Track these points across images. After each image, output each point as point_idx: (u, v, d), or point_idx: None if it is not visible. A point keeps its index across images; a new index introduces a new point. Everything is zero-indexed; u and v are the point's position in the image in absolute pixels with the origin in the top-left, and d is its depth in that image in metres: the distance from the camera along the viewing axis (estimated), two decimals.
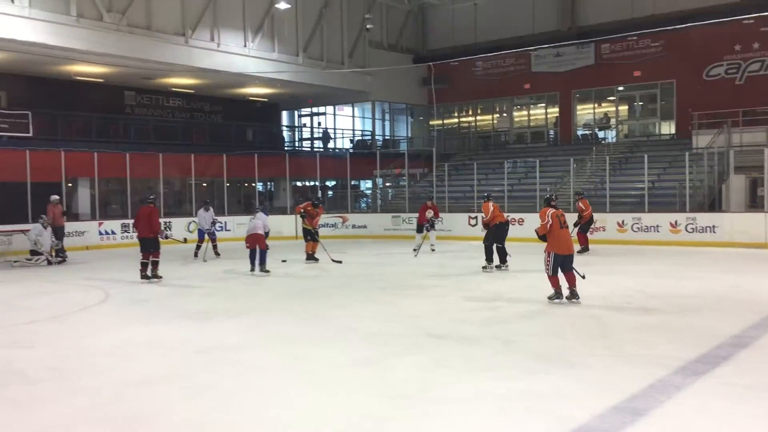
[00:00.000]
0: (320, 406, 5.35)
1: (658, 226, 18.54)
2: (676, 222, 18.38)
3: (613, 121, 28.48)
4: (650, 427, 4.85)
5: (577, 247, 13.02)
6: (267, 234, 13.57)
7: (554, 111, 29.74)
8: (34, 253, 16.02)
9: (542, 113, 30.47)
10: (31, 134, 20.95)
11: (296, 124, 33.81)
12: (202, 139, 27.12)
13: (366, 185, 30.30)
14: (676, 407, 5.21)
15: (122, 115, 26.27)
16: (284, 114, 33.58)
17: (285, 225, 22.30)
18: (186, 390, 5.83)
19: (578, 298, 9.44)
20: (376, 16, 29.22)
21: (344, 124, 32.39)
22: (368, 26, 27.67)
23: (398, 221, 23.24)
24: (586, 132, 29.44)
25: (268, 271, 13.21)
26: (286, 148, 30.93)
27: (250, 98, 29.88)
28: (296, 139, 33.71)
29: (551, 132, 30.10)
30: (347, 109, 32.43)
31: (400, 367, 6.46)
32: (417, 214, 18.09)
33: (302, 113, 33.28)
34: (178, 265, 14.87)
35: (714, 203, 20.87)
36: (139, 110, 27.43)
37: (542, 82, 29.13)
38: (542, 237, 9.59)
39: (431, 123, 32.91)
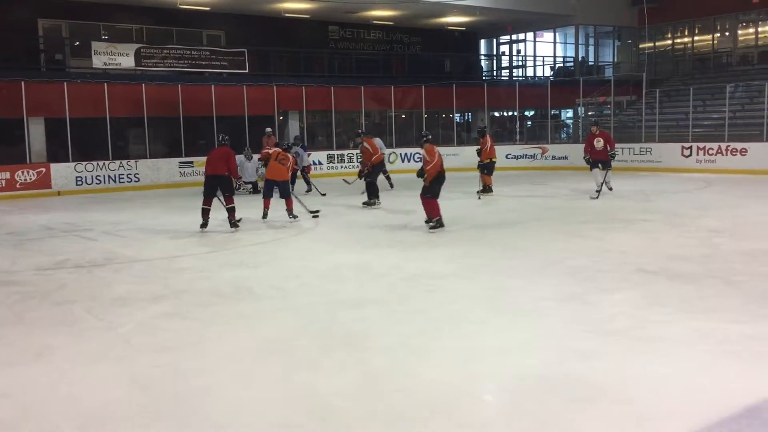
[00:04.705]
0: (526, 338, 5.31)
1: None
2: None
3: None
4: None
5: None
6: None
7: None
8: None
9: None
10: (247, 71, 22.49)
11: (494, 53, 33.03)
12: (401, 71, 27.43)
13: (567, 115, 29.11)
14: None
15: (326, 50, 27.26)
16: (482, 43, 32.90)
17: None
18: (395, 313, 6.07)
19: (295, 218, 11.80)
20: None
21: (544, 51, 31.08)
22: None
23: None
24: None
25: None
26: (484, 78, 30.45)
27: (448, 27, 29.59)
28: (494, 68, 33.00)
29: None
30: (547, 35, 31.01)
31: (609, 303, 6.22)
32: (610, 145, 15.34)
33: (501, 41, 32.38)
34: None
35: None
36: (342, 44, 28.31)
37: None
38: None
39: (641, 46, 30.52)
